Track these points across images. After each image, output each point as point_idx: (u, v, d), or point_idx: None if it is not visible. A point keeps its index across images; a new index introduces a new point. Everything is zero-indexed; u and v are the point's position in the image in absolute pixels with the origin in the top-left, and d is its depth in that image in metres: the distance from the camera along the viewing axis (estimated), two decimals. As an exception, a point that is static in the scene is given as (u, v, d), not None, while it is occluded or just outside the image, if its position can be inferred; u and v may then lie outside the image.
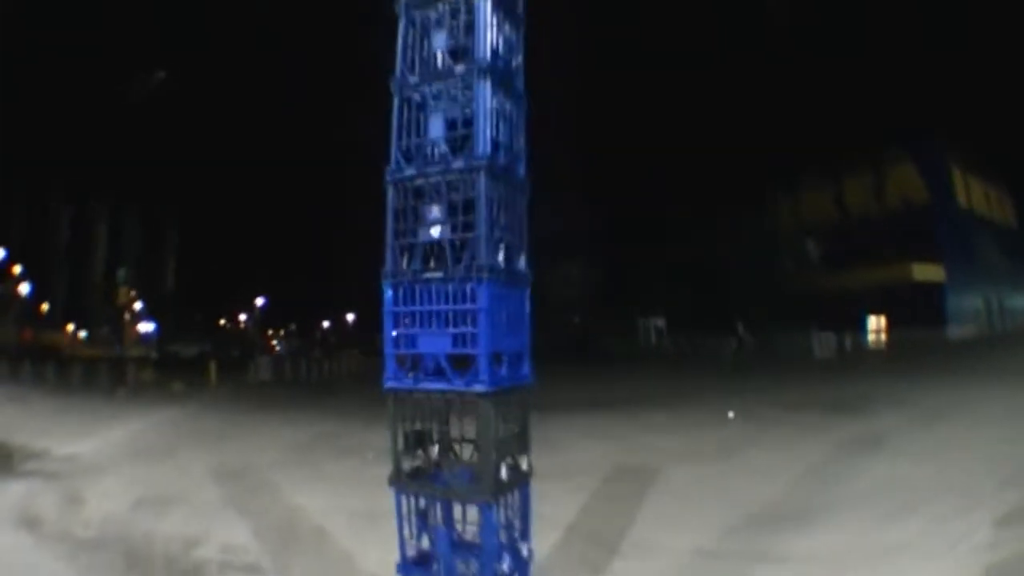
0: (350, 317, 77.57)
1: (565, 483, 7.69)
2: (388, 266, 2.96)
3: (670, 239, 50.14)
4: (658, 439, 10.91)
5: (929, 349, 28.55)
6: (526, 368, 3.03)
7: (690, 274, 47.42)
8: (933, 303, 38.17)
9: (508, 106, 2.96)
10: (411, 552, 3.00)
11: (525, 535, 3.05)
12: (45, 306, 54.10)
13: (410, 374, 2.89)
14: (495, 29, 2.90)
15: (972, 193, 44.42)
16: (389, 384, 2.93)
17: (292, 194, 75.01)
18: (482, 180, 2.72)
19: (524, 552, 3.02)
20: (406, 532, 2.99)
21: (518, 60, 3.09)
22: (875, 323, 40.79)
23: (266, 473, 9.03)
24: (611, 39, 56.56)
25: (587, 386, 21.88)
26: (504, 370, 2.85)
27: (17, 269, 50.17)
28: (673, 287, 48.02)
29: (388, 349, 2.96)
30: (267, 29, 68.38)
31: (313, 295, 72.64)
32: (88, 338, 52.58)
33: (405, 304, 2.95)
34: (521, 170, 3.03)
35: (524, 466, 2.96)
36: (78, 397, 21.25)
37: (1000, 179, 47.11)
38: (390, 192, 2.91)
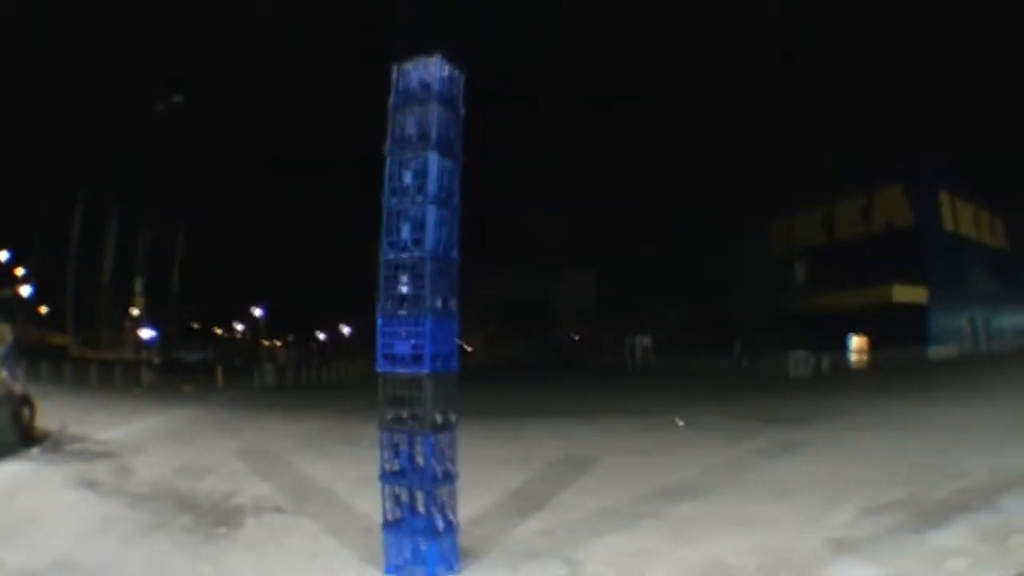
0: (346, 329, 79.71)
1: (518, 466, 9.65)
2: (380, 305, 5.14)
3: (662, 260, 50.87)
4: (607, 439, 12.54)
5: (906, 368, 29.23)
6: (454, 363, 5.18)
7: (680, 294, 48.21)
8: (915, 323, 38.34)
9: (446, 215, 5.13)
10: (388, 469, 5.11)
11: (453, 461, 5.16)
12: (43, 308, 55.57)
13: (390, 363, 5.06)
14: (439, 169, 5.05)
15: (960, 215, 44.64)
16: (380, 369, 5.12)
17: (293, 207, 76.47)
18: (428, 264, 4.91)
19: (452, 470, 5.14)
20: (385, 457, 5.08)
21: (455, 184, 5.24)
22: (858, 343, 41.11)
23: (281, 453, 10.98)
24: (609, 57, 58.18)
25: (567, 398, 23.51)
26: (440, 363, 5.00)
27: (20, 271, 51.86)
28: (663, 307, 48.95)
29: (379, 350, 5.12)
30: (272, 41, 69.99)
31: (311, 307, 74.25)
32: (82, 340, 53.56)
33: (389, 327, 5.12)
34: (454, 253, 5.20)
35: (452, 418, 5.10)
36: (97, 395, 22.62)
37: (992, 201, 47.15)
38: (382, 267, 5.09)
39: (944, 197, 43.46)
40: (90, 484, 8.52)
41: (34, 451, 10.56)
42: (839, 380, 28.42)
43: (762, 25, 48.19)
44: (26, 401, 11.36)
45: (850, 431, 12.19)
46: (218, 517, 7.05)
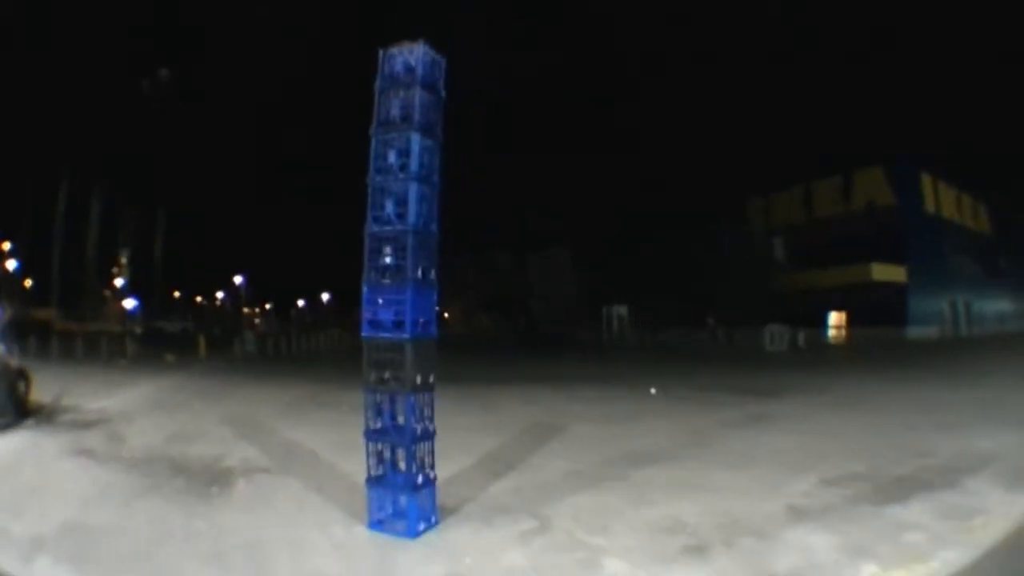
0: (325, 297, 79.75)
1: (493, 430, 10.02)
2: (365, 276, 5.50)
3: (644, 235, 51.03)
4: (579, 407, 12.87)
5: (883, 347, 29.70)
6: (433, 329, 5.57)
7: (660, 268, 48.11)
8: (895, 303, 39.08)
9: (427, 191, 5.49)
10: (371, 427, 5.50)
11: (431, 420, 5.56)
12: (28, 282, 55.33)
13: (374, 329, 5.45)
14: (421, 148, 5.41)
15: (942, 198, 45.07)
16: (364, 334, 5.49)
17: (271, 177, 76.11)
18: (410, 237, 5.27)
19: (430, 428, 5.55)
20: (369, 416, 5.46)
21: (436, 163, 5.60)
22: (836, 320, 41.76)
23: (265, 419, 11.32)
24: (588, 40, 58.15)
25: (541, 368, 24.02)
26: (419, 329, 5.38)
27: (7, 246, 51.54)
28: (643, 280, 48.76)
29: (364, 317, 5.49)
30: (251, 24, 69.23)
31: (289, 275, 74.04)
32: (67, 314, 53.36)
33: (373, 295, 5.47)
34: (434, 227, 5.56)
35: (430, 379, 5.49)
36: (84, 367, 22.79)
37: (977, 186, 47.29)
38: (367, 240, 5.44)
39: (926, 179, 43.86)
40: (86, 452, 8.79)
41: (30, 423, 10.83)
42: (815, 356, 28.89)
43: (762, 25, 48.13)
44: (22, 375, 11.64)
45: (820, 406, 12.37)
46: (210, 479, 7.35)
